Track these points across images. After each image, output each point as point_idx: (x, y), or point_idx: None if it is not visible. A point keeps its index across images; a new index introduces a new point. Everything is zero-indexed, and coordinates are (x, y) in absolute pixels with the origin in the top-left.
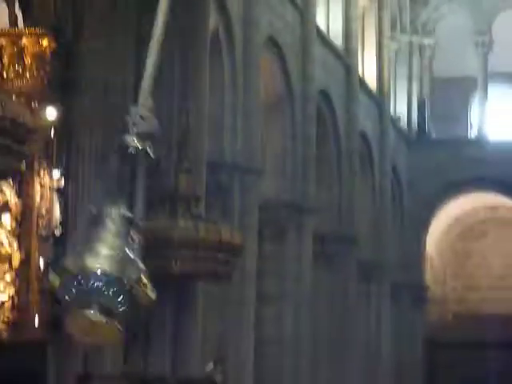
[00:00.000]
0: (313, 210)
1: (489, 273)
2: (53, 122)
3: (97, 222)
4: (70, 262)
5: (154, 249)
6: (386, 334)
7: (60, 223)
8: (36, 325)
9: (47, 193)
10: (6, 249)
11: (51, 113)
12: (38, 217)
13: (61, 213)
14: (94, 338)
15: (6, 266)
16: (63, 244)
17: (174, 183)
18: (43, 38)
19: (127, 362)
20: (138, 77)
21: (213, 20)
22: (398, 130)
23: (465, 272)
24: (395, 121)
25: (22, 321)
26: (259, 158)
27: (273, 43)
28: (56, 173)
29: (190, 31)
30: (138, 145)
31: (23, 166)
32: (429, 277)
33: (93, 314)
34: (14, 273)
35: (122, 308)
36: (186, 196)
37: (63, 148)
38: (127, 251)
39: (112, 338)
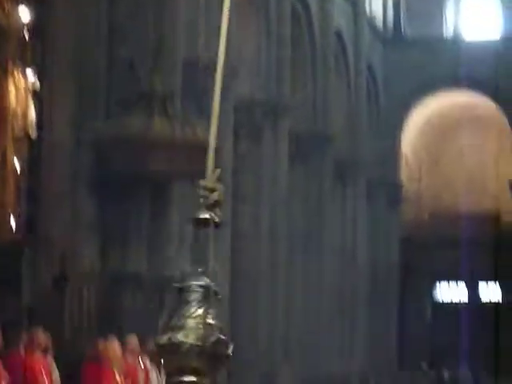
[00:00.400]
0: (288, 110)
1: (464, 171)
2: (27, 22)
3: (181, 295)
4: (163, 340)
5: (130, 148)
6: (361, 232)
7: (35, 124)
8: (12, 226)
9: (22, 94)
10: None
11: (24, 13)
12: (13, 118)
13: (36, 114)
14: None
15: None
16: (39, 145)
17: (149, 84)
18: None
19: (104, 262)
20: None
21: None
22: (374, 28)
23: (440, 170)
24: (370, 20)
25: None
26: (234, 57)
27: None
28: (31, 74)
29: None
30: (208, 216)
31: None
32: (404, 175)
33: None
34: None
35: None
36: (161, 96)
37: (38, 49)
38: (208, 318)
39: None
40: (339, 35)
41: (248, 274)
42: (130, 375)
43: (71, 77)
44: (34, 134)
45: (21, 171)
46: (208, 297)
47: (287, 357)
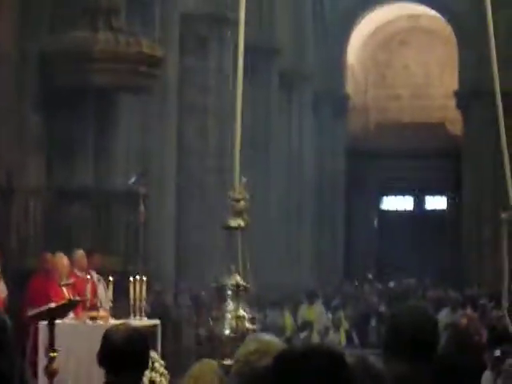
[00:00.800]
0: (233, 21)
1: (410, 82)
2: None
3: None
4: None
5: (75, 62)
6: (308, 144)
7: None
8: None
9: None
10: None
11: None
12: None
13: None
14: None
15: None
16: None
17: None
18: None
19: (50, 176)
20: None
21: None
22: None
23: (386, 81)
24: None
25: None
26: None
27: None
28: None
29: None
30: (237, 224)
31: None
32: (350, 86)
33: None
34: None
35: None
36: (106, 9)
37: None
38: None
39: None
40: None
41: (194, 188)
42: (76, 288)
43: None
44: None
45: None
46: (239, 293)
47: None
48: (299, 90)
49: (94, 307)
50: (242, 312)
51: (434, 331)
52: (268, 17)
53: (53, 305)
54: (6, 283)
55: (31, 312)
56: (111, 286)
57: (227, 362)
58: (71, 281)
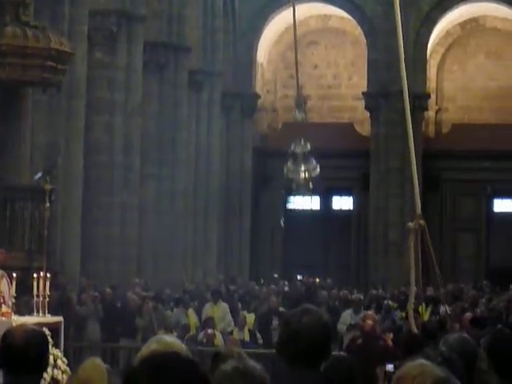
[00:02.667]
0: (143, 18)
1: (319, 82)
2: None
3: None
4: None
5: None
6: (216, 142)
7: None
8: None
9: None
10: None
11: None
12: None
13: None
14: None
15: None
16: None
17: None
18: None
19: None
20: None
21: None
22: None
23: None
24: None
25: None
26: None
27: None
28: None
29: None
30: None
31: None
32: (259, 86)
33: None
34: None
35: None
36: (14, 2)
37: None
38: None
39: None
40: None
41: (101, 185)
42: None
43: None
44: None
45: None
46: None
47: (140, 271)
48: (208, 88)
49: None
50: None
51: (326, 335)
52: (178, 13)
53: None
54: None
55: None
56: (14, 282)
57: None
58: None
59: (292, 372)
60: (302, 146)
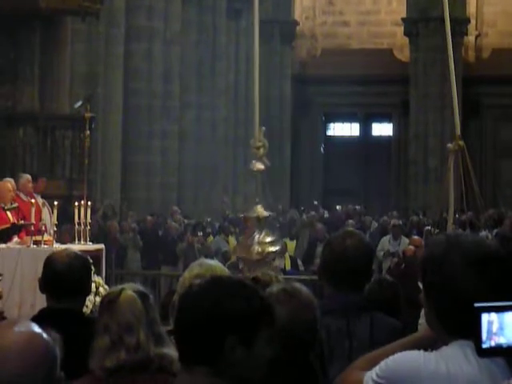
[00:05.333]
0: None
1: (358, 8)
2: None
3: None
4: None
5: None
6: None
7: None
8: None
9: None
10: None
11: None
12: None
13: None
14: None
15: None
16: None
17: None
18: None
19: None
20: None
21: None
22: None
23: (334, 8)
24: None
25: None
26: None
27: None
28: None
29: None
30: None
31: None
32: (298, 12)
33: None
34: None
35: None
36: None
37: None
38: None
39: None
40: None
41: (141, 113)
42: (21, 212)
43: None
44: None
45: None
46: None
47: (181, 200)
48: (247, 15)
49: (39, 231)
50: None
51: (369, 258)
52: None
53: None
54: None
55: None
56: (56, 211)
57: None
58: (15, 205)
59: (336, 295)
60: None
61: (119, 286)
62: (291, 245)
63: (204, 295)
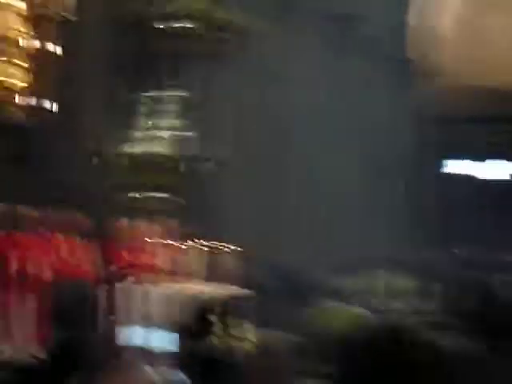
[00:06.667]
0: None
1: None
2: None
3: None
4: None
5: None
6: (377, 109)
7: (75, 7)
8: (46, 107)
9: None
10: (18, 33)
11: None
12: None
13: None
14: None
15: (20, 51)
16: (77, 29)
17: None
18: None
19: None
20: None
21: None
22: None
23: (469, 42)
24: None
25: (35, 106)
26: None
27: None
28: None
29: None
30: None
31: None
32: (416, 49)
33: None
34: (28, 59)
35: None
36: None
37: None
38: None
39: None
40: None
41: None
42: None
43: None
44: (73, 17)
45: (56, 54)
46: (187, 109)
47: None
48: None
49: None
50: None
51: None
52: None
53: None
54: None
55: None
56: None
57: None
58: None
59: None
60: None
61: None
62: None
63: None
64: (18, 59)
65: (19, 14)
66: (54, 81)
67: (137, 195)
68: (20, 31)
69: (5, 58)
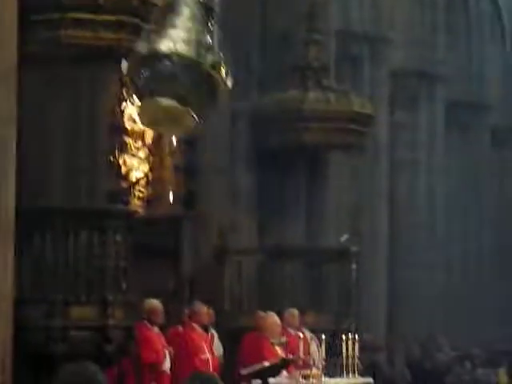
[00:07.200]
0: (443, 78)
1: None
2: None
3: (173, 8)
4: (142, 47)
5: (285, 121)
6: None
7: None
8: (171, 200)
9: None
10: (139, 125)
11: None
12: None
13: None
14: (167, 127)
15: (139, 142)
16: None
17: (303, 55)
18: None
19: (262, 235)
20: None
21: None
22: None
23: None
24: None
25: (157, 197)
26: (387, 26)
27: None
28: None
29: None
30: None
31: None
32: None
33: (164, 100)
34: (147, 149)
35: (197, 92)
36: (315, 67)
37: None
38: (204, 35)
39: (186, 126)
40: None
41: (406, 245)
42: (289, 346)
43: (224, 47)
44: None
45: (178, 146)
46: (206, 15)
47: (448, 329)
48: (511, 145)
49: (307, 365)
50: None
51: None
52: (478, 71)
53: (266, 363)
54: (221, 341)
55: (245, 370)
56: (324, 344)
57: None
58: (284, 339)
59: None
60: None
61: None
62: None
63: None
64: (142, 151)
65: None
66: (175, 172)
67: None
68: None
69: (130, 151)
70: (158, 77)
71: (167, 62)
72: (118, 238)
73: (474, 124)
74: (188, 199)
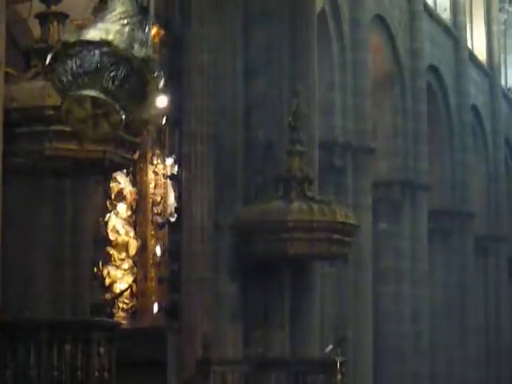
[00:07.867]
0: (426, 187)
1: None
2: (164, 110)
3: (108, 5)
4: (69, 36)
5: (269, 232)
6: (504, 311)
7: (175, 209)
8: (155, 312)
9: (161, 180)
10: (123, 237)
11: (162, 101)
12: (152, 204)
13: (175, 199)
14: (93, 125)
15: (123, 254)
16: (179, 230)
17: (287, 166)
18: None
19: (247, 346)
20: (247, 60)
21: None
22: (510, 102)
23: None
24: (507, 93)
25: (141, 308)
26: (370, 136)
27: (380, 20)
28: (169, 160)
29: (297, 13)
30: None
31: (136, 156)
32: None
33: (93, 91)
34: (131, 260)
35: (126, 88)
36: (299, 178)
37: (175, 135)
38: (138, 32)
39: (113, 123)
40: (475, 109)
41: (391, 354)
42: None
43: (208, 161)
44: (173, 219)
45: (161, 257)
46: (142, 14)
47: None
48: (494, 253)
49: None
50: None
51: None
52: (460, 180)
53: None
54: None
55: None
56: None
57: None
58: None
59: None
60: None
61: None
62: None
63: None
64: (126, 263)
65: (124, 219)
66: (159, 283)
67: None
68: (127, 234)
69: (114, 263)
70: (85, 69)
71: (96, 51)
72: (102, 350)
73: (458, 232)
74: (172, 310)
